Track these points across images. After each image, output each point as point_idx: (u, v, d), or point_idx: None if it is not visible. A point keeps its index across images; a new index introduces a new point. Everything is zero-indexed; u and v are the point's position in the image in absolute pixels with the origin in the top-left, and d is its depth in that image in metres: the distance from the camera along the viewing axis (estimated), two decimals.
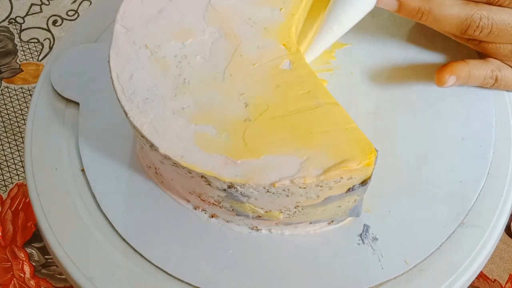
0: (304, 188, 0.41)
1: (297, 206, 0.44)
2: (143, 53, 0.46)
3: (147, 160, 0.50)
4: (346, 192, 0.43)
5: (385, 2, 0.49)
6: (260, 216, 0.46)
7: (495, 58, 0.52)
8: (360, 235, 0.48)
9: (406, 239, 0.47)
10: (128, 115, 0.44)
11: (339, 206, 0.45)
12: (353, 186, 0.43)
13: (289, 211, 0.45)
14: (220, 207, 0.46)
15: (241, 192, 0.42)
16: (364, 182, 0.43)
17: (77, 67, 0.57)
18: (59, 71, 0.56)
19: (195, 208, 0.49)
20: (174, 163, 0.42)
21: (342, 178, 0.41)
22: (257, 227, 0.48)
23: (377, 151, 0.42)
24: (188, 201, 0.49)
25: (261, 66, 0.45)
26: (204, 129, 0.43)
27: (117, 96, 0.44)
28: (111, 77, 0.46)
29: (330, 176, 0.41)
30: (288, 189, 0.41)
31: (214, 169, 0.41)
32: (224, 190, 0.42)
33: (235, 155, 0.42)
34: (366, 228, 0.48)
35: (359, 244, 0.48)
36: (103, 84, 0.53)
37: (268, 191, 0.42)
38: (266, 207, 0.44)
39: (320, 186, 0.42)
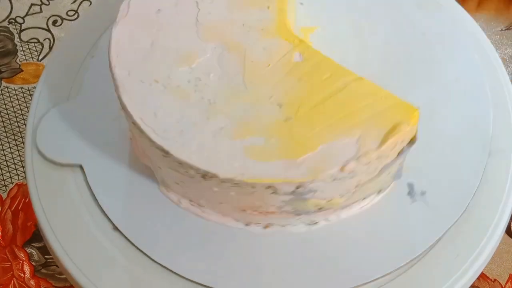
0: (367, 163, 0.42)
1: (357, 185, 0.44)
2: (155, 88, 0.45)
3: (178, 195, 0.49)
4: (397, 156, 0.44)
5: None
6: (321, 208, 0.46)
7: None
8: (409, 194, 0.49)
9: (450, 182, 0.49)
10: (171, 153, 0.42)
11: (389, 173, 0.46)
12: (403, 148, 0.44)
13: (349, 192, 0.45)
14: (280, 213, 0.46)
15: (309, 189, 0.42)
16: (411, 141, 0.44)
17: (62, 130, 0.53)
18: (45, 138, 0.53)
19: (247, 225, 0.48)
20: (236, 183, 0.42)
21: (397, 143, 0.42)
22: (314, 221, 0.48)
23: (418, 108, 0.43)
24: (237, 221, 0.48)
25: (275, 65, 0.45)
26: (251, 142, 0.42)
27: (150, 138, 0.43)
28: (133, 123, 0.44)
29: (388, 145, 0.42)
30: (353, 170, 0.42)
31: (280, 175, 0.41)
32: (292, 192, 0.42)
33: (292, 155, 0.42)
34: (411, 186, 0.49)
35: (411, 203, 0.49)
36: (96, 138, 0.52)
37: (335, 179, 0.42)
38: (329, 196, 0.44)
39: (380, 158, 0.42)
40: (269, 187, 0.41)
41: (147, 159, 0.50)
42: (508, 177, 0.50)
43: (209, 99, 0.44)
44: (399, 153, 0.44)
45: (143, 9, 0.48)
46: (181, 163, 0.42)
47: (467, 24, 0.58)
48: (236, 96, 0.44)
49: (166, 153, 0.42)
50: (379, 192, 0.49)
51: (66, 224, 0.49)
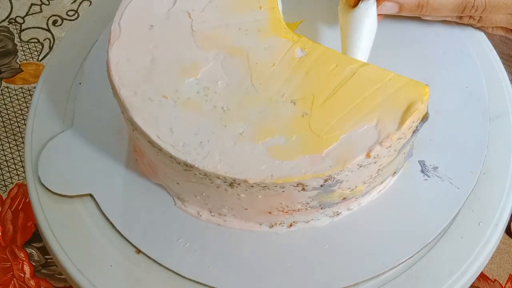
0: (389, 147, 0.43)
1: (379, 170, 0.45)
2: (166, 104, 0.44)
3: (197, 208, 0.48)
4: (412, 135, 0.45)
5: (386, 8, 0.52)
6: (345, 198, 0.46)
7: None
8: (422, 171, 0.50)
9: (459, 155, 0.50)
10: (196, 166, 0.41)
11: (404, 153, 0.47)
12: (417, 126, 0.45)
13: (371, 178, 0.45)
14: (306, 209, 0.46)
15: (336, 180, 0.42)
16: (424, 118, 0.45)
17: (62, 161, 0.52)
18: (48, 173, 0.51)
19: (271, 227, 0.48)
20: (265, 186, 0.41)
21: (414, 121, 0.43)
22: (337, 212, 0.48)
23: (428, 85, 0.44)
24: (261, 224, 0.48)
25: (280, 63, 0.45)
26: (272, 142, 0.42)
27: (171, 155, 0.42)
28: (150, 142, 0.43)
29: (407, 124, 0.42)
30: (377, 155, 0.42)
31: (308, 170, 0.41)
32: (321, 186, 0.42)
33: (316, 149, 0.42)
34: (422, 163, 0.50)
35: (426, 180, 0.50)
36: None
37: (360, 166, 0.42)
38: (353, 184, 0.45)
39: (399, 139, 0.43)
40: (298, 184, 0.41)
41: (159, 177, 0.49)
42: (508, 176, 0.51)
43: (222, 106, 0.44)
44: (414, 131, 0.45)
45: (135, 27, 0.47)
46: (206, 175, 0.42)
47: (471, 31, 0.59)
48: (249, 100, 0.44)
49: (189, 167, 0.42)
50: (393, 174, 0.49)
51: (65, 224, 0.49)
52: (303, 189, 0.42)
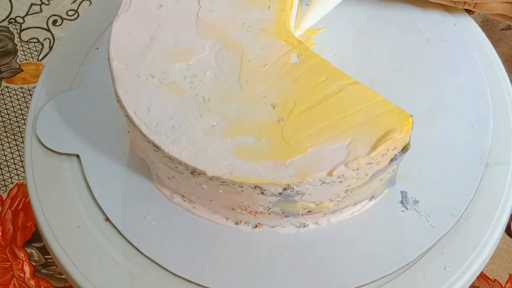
0: (357, 169, 0.42)
1: (347, 190, 0.44)
2: (151, 83, 0.45)
3: (171, 190, 0.49)
4: (389, 163, 0.44)
5: None
6: (310, 211, 0.46)
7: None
8: (401, 202, 0.49)
9: (444, 193, 0.49)
10: (161, 148, 0.42)
11: (381, 180, 0.46)
12: (395, 155, 0.44)
13: (339, 197, 0.45)
14: (269, 214, 0.46)
15: (296, 191, 0.42)
16: (404, 149, 0.44)
17: (61, 119, 0.54)
18: (45, 128, 0.53)
19: (236, 223, 0.48)
20: (223, 182, 0.42)
21: (388, 150, 0.42)
22: (304, 223, 0.48)
23: (412, 116, 0.43)
24: (227, 219, 0.48)
25: (272, 66, 0.45)
26: (242, 141, 0.42)
27: (142, 132, 0.43)
28: (127, 116, 0.44)
29: (379, 151, 0.41)
30: (342, 175, 0.42)
31: (267, 176, 0.41)
32: (279, 193, 0.42)
33: (281, 156, 0.42)
34: (404, 194, 0.49)
35: (403, 211, 0.49)
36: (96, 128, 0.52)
37: (323, 182, 0.42)
38: (318, 199, 0.44)
39: (370, 164, 0.42)
40: (256, 187, 0.41)
41: (143, 152, 0.50)
42: (504, 190, 0.50)
43: (203, 96, 0.44)
44: (392, 160, 0.44)
45: (145, 3, 0.48)
46: (171, 159, 0.42)
47: (473, 31, 0.58)
48: (230, 95, 0.44)
49: (157, 148, 0.43)
50: (371, 198, 0.48)
51: (65, 224, 0.50)
52: (262, 193, 0.42)
